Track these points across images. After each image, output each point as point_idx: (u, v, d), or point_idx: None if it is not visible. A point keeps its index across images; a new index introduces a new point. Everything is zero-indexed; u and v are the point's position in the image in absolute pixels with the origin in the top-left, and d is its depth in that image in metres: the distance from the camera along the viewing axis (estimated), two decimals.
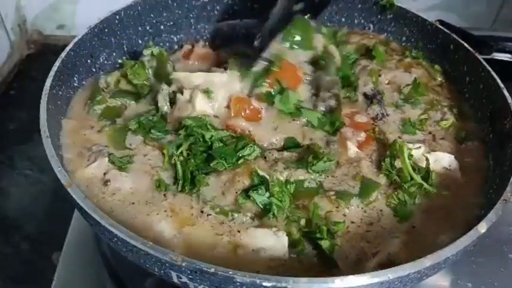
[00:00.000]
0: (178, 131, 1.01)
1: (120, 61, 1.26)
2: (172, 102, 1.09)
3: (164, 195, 0.91)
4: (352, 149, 1.02)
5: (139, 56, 1.24)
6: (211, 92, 1.07)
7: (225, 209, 0.88)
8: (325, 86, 1.12)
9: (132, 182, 0.93)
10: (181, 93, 1.07)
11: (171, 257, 0.68)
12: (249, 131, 1.02)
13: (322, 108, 1.09)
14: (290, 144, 1.02)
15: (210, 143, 0.97)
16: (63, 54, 1.06)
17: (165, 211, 0.88)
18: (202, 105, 1.05)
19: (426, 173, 0.96)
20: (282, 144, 1.03)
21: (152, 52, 1.21)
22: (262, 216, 0.88)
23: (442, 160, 1.00)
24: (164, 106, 1.08)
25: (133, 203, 0.90)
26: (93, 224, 0.77)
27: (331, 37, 1.29)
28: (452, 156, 1.01)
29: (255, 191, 0.89)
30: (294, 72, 1.14)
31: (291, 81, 1.11)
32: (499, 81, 1.08)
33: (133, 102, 1.13)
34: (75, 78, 1.14)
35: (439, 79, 1.27)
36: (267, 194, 0.89)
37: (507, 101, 1.03)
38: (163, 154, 0.97)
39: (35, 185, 1.43)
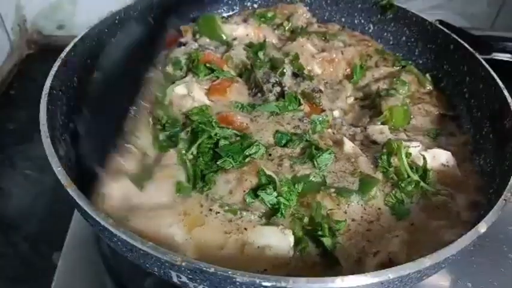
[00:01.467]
0: (185, 126, 1.03)
1: None
2: None
3: (178, 196, 0.90)
4: (348, 145, 1.03)
5: None
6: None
7: (233, 207, 0.88)
8: (263, 79, 1.17)
9: (150, 192, 0.90)
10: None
11: (170, 257, 0.68)
12: (246, 124, 1.05)
13: (272, 97, 1.14)
14: (284, 140, 1.02)
15: (215, 140, 0.98)
16: (63, 54, 1.06)
17: (179, 215, 0.87)
18: (200, 96, 1.09)
19: (424, 172, 0.96)
20: (274, 141, 1.03)
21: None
22: (270, 215, 0.88)
23: (440, 157, 1.00)
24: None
25: (146, 209, 0.87)
26: (93, 224, 0.77)
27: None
28: (449, 153, 1.01)
29: (263, 191, 0.89)
30: (213, 56, 1.24)
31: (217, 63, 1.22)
32: (499, 81, 1.08)
33: None
34: (75, 79, 1.14)
35: (429, 87, 1.29)
36: (275, 194, 0.89)
37: (507, 101, 1.03)
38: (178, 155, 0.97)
39: (35, 185, 1.43)
